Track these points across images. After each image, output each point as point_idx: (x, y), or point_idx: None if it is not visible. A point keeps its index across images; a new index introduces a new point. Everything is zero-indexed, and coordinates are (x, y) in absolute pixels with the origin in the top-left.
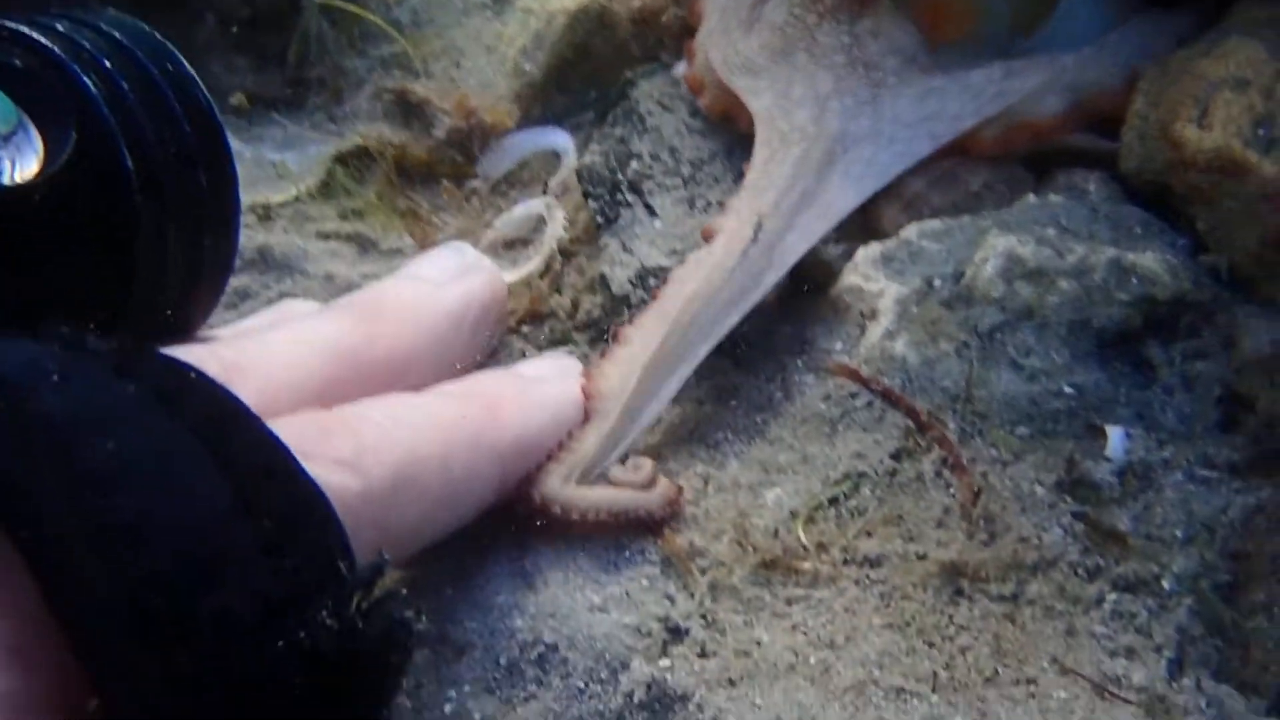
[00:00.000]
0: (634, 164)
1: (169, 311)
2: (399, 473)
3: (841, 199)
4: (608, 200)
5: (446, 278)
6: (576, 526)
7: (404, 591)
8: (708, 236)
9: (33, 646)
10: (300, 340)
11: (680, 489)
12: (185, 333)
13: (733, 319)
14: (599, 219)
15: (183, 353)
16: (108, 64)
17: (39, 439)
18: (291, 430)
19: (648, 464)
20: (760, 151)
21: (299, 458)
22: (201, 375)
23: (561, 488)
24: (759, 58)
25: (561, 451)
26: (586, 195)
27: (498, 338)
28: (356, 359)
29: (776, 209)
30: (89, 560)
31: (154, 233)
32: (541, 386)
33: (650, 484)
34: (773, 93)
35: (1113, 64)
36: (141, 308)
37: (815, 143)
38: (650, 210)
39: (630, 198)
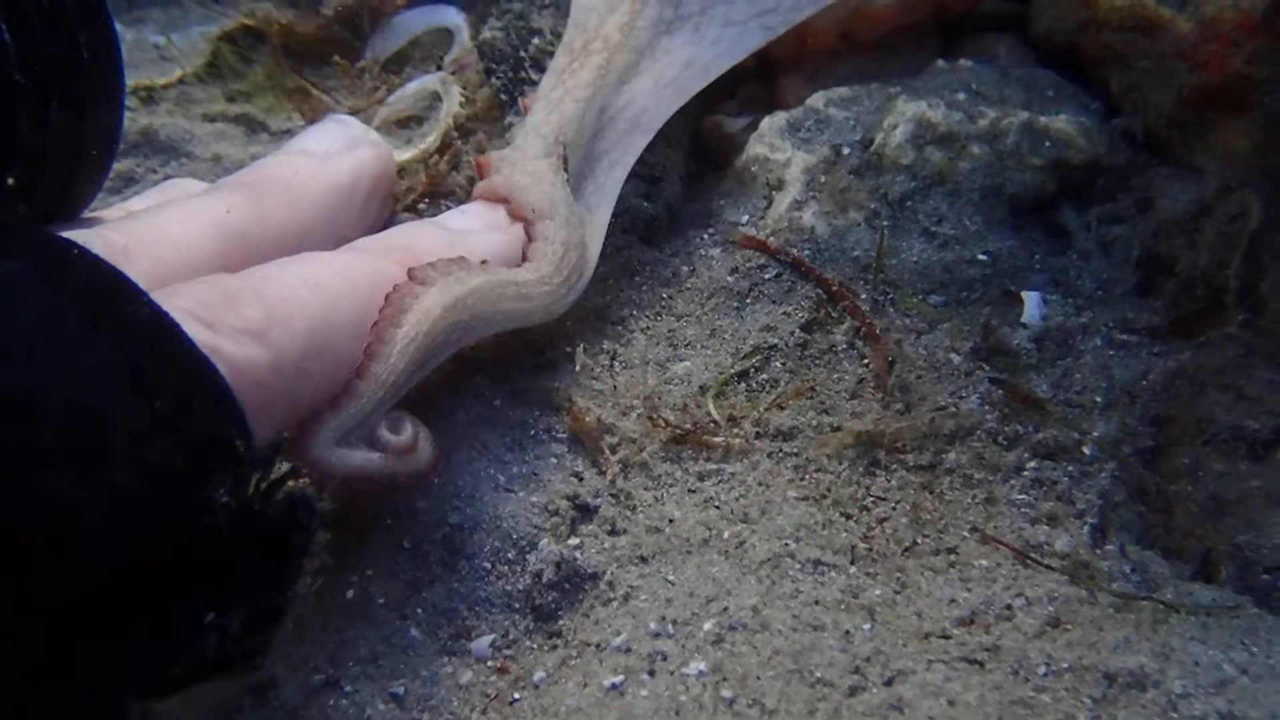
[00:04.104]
0: (535, 40)
1: (51, 192)
2: (311, 341)
3: (656, 109)
4: (510, 78)
5: (333, 151)
6: (341, 490)
7: (305, 470)
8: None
9: None
10: (189, 220)
11: (441, 452)
12: (69, 216)
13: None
14: (502, 96)
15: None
16: None
17: None
18: (196, 297)
19: (408, 425)
20: (560, 57)
21: (203, 327)
22: (86, 251)
23: (329, 450)
24: None
25: (336, 407)
26: (489, 73)
27: (388, 212)
28: (247, 237)
29: (580, 130)
30: None
31: (34, 108)
32: (467, 240)
33: (413, 447)
34: None
35: None
36: (23, 188)
37: (618, 53)
38: None
39: (534, 75)
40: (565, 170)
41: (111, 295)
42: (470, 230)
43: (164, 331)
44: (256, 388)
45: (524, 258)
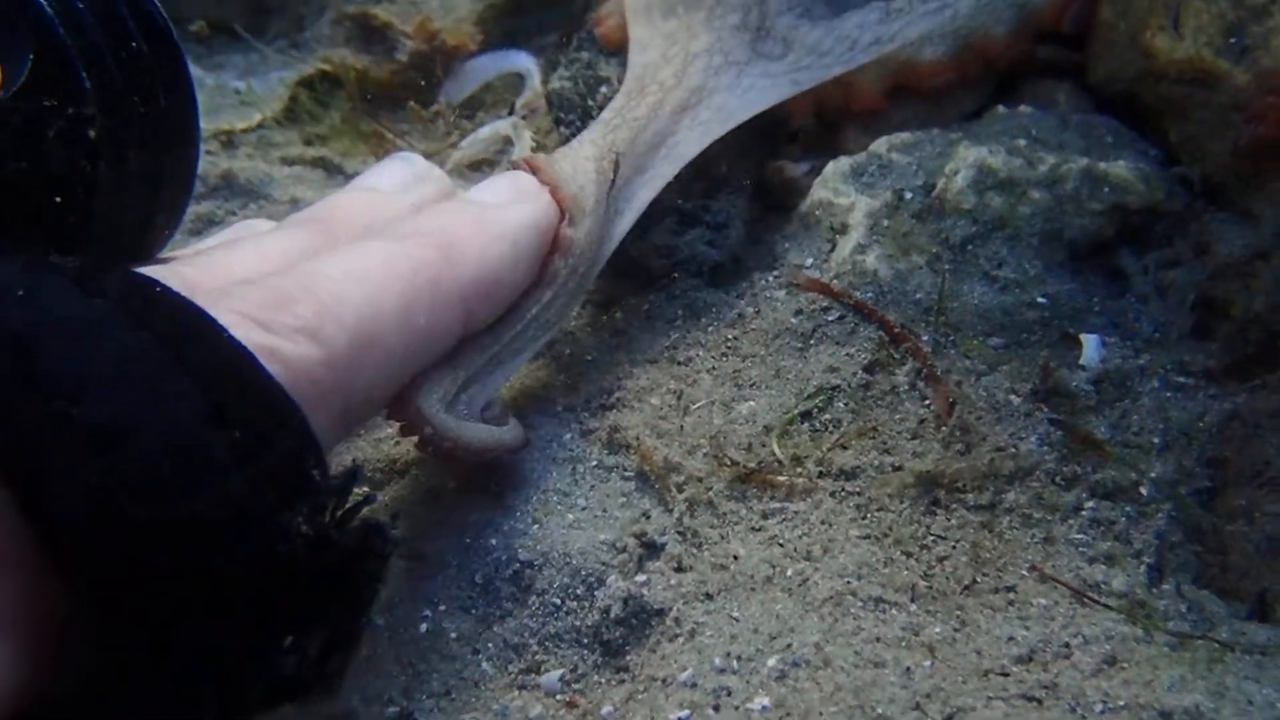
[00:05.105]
0: (603, 89)
1: (129, 234)
2: (360, 334)
3: (685, 144)
4: (579, 127)
5: (398, 188)
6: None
7: (379, 496)
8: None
9: (8, 550)
10: (259, 256)
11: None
12: (146, 256)
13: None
14: None
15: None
16: None
17: (5, 352)
18: (250, 299)
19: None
20: (619, 98)
21: (259, 329)
22: (166, 289)
23: (434, 407)
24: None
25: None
26: (558, 122)
27: None
28: None
29: (632, 146)
30: (60, 465)
31: (113, 154)
32: (499, 213)
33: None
34: (657, 48)
35: (1004, 7)
36: (102, 230)
37: (671, 93)
38: None
39: None
40: (614, 176)
41: (192, 331)
42: (500, 204)
43: (244, 367)
44: (311, 385)
45: (562, 218)
